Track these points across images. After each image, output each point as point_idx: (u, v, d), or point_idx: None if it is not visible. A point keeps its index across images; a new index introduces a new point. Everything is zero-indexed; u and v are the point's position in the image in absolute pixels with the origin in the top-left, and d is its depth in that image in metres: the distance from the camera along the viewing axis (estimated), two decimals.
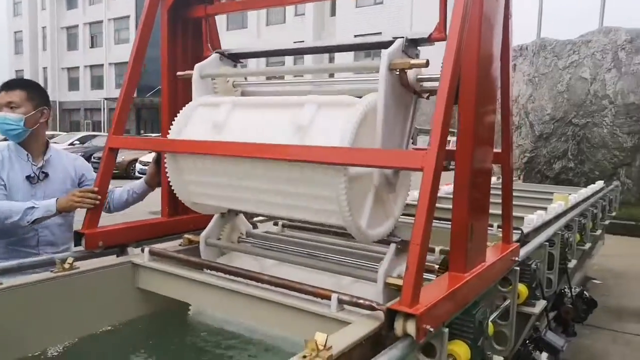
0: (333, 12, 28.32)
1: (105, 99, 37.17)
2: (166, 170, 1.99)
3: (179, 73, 2.15)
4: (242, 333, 2.02)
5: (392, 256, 1.73)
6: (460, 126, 1.51)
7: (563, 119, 9.17)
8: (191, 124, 1.95)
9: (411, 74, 1.63)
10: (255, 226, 2.74)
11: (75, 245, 1.97)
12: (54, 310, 1.76)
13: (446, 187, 3.83)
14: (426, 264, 1.82)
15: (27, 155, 2.35)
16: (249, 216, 2.36)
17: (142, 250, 2.01)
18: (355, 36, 22.90)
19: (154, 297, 2.01)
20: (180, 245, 2.22)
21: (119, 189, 2.59)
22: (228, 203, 2.00)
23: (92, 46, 41.34)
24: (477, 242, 1.61)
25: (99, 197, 2.10)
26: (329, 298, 1.51)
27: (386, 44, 1.64)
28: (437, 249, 2.18)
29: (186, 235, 2.23)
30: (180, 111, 1.98)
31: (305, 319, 1.54)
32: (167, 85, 2.32)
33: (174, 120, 1.96)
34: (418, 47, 1.71)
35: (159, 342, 2.01)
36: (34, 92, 2.36)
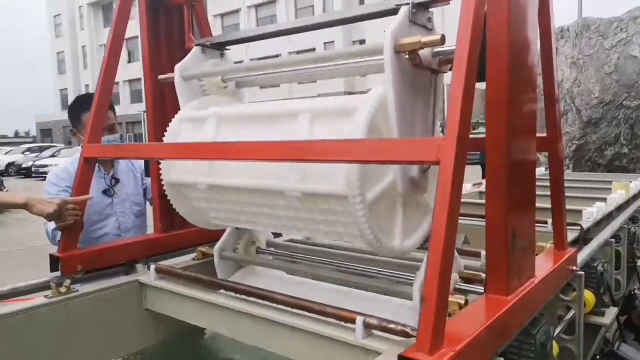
0: None
1: (144, 111, 38.25)
2: (162, 184, 1.78)
3: (160, 77, 1.89)
4: None
5: None
6: (488, 106, 1.19)
7: (613, 102, 8.53)
8: None
9: (425, 51, 1.30)
10: (279, 234, 2.51)
11: (51, 271, 1.76)
12: (51, 340, 1.58)
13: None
14: (469, 271, 1.57)
15: (98, 167, 2.33)
16: None
17: (148, 268, 1.81)
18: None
19: (165, 319, 1.80)
20: (193, 259, 2.01)
21: None
22: (246, 225, 1.78)
23: (129, 61, 42.48)
24: (522, 253, 1.29)
25: (79, 212, 1.83)
26: (353, 321, 1.25)
27: (390, 12, 1.34)
28: (483, 253, 1.88)
29: (200, 248, 2.02)
30: (167, 130, 1.74)
31: (327, 346, 1.29)
32: (151, 87, 2.05)
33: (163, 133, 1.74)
34: (429, 9, 1.36)
35: None
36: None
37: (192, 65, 1.79)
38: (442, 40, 1.23)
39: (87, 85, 46.02)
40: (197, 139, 1.63)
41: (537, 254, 1.51)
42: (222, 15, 35.52)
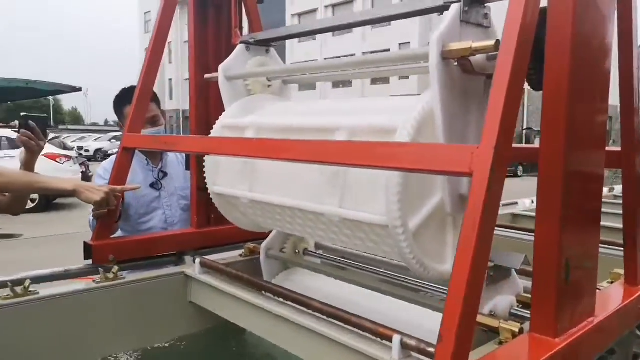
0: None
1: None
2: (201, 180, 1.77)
3: (206, 76, 1.86)
4: None
5: (482, 286, 1.32)
6: (544, 111, 1.03)
7: None
8: (223, 164, 1.71)
9: (478, 55, 1.13)
10: None
11: (84, 259, 1.78)
12: (96, 323, 1.61)
13: None
14: (528, 295, 1.41)
15: (147, 160, 2.36)
16: None
17: (194, 261, 1.81)
18: None
19: (209, 312, 1.79)
20: (240, 255, 1.99)
21: None
22: (296, 233, 1.73)
23: None
24: (578, 287, 1.12)
25: (115, 202, 1.84)
26: (390, 339, 1.16)
27: (439, 9, 1.20)
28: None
29: (247, 245, 2.01)
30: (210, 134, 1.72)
31: None
32: (195, 86, 2.03)
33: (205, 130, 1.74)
34: (486, 5, 1.19)
35: None
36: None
37: (236, 63, 1.75)
38: (496, 46, 1.06)
39: (170, 80, 48.57)
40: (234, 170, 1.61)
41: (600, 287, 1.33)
42: (300, 15, 36.05)
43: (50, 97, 44.57)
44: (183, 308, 1.82)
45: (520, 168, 20.58)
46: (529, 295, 1.42)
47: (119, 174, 1.88)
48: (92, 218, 2.03)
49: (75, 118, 69.56)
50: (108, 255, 1.76)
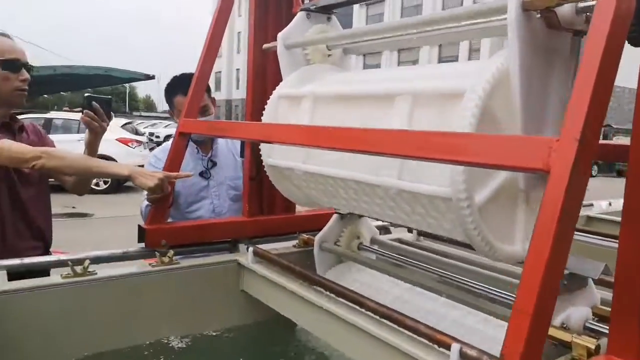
0: None
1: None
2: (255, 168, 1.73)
3: (265, 45, 1.80)
4: None
5: None
6: (638, 104, 0.85)
7: None
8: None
9: (565, 7, 0.98)
10: (388, 231, 2.36)
11: (138, 242, 1.80)
12: (148, 306, 1.63)
13: None
14: (606, 308, 1.27)
15: (197, 148, 2.37)
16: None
17: (247, 249, 1.79)
18: None
19: (260, 304, 1.77)
20: (294, 246, 1.95)
21: None
22: (347, 209, 1.67)
23: (238, 52, 44.94)
24: None
25: (169, 187, 1.84)
26: (448, 347, 1.07)
27: None
28: None
29: (302, 236, 1.96)
30: (265, 109, 1.67)
31: None
32: (253, 57, 1.97)
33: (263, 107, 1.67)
34: None
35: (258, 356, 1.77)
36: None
37: (295, 32, 1.68)
38: None
39: (238, 69, 49.73)
40: (293, 119, 1.54)
41: None
42: (367, 5, 35.61)
43: (126, 85, 46.98)
44: (235, 297, 1.81)
45: (595, 167, 19.35)
46: (608, 308, 1.28)
47: (174, 160, 1.89)
48: (144, 206, 2.06)
49: (149, 105, 72.91)
50: (161, 239, 1.77)
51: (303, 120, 1.51)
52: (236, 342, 1.78)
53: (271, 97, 1.67)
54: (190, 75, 2.05)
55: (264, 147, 1.69)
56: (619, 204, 3.60)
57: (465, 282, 1.45)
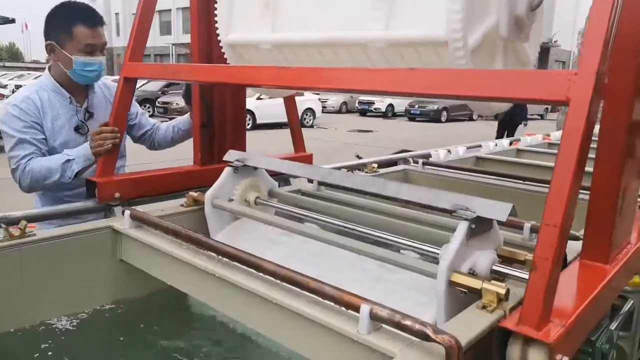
0: None
1: (174, 44, 38.08)
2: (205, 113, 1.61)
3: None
4: (250, 336, 1.48)
5: (461, 240, 1.13)
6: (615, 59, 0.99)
7: None
8: (238, 4, 1.50)
9: None
10: (288, 182, 2.20)
11: (87, 197, 1.68)
12: (16, 287, 1.35)
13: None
14: (509, 248, 1.26)
15: (70, 97, 1.95)
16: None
17: (123, 213, 1.53)
18: None
19: (143, 275, 1.53)
20: (182, 205, 1.72)
21: (165, 125, 2.31)
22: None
23: None
24: (626, 216, 1.17)
25: (118, 134, 1.76)
26: (357, 309, 0.95)
27: None
28: (527, 224, 1.54)
29: (190, 193, 1.74)
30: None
31: (320, 336, 1.00)
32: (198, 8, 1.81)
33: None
34: None
35: (146, 336, 1.54)
36: None
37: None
38: None
39: (117, 14, 45.48)
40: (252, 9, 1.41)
41: None
42: None
43: None
44: (115, 268, 1.55)
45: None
46: (512, 249, 1.26)
47: (120, 107, 1.78)
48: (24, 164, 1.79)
49: (13, 54, 64.55)
50: (114, 192, 1.68)
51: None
52: (127, 318, 1.54)
53: None
54: (86, 5, 1.88)
55: (221, 22, 1.56)
56: (504, 143, 3.78)
57: (376, 236, 1.34)
